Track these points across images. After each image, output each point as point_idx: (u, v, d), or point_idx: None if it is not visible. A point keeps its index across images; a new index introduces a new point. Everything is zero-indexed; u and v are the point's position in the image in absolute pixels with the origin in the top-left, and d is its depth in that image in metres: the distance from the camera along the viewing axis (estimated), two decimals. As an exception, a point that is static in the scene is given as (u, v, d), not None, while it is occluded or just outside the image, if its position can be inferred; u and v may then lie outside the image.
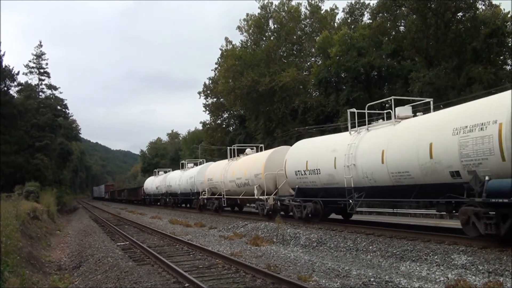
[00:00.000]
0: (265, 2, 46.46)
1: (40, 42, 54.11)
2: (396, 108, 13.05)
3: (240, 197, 22.53)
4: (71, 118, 63.37)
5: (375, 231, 12.59)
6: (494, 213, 8.97)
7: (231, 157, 24.60)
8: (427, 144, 10.62)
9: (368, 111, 14.16)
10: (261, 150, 23.39)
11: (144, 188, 47.24)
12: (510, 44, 30.82)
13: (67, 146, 59.47)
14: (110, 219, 27.67)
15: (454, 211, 10.51)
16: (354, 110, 14.64)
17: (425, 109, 14.04)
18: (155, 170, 47.19)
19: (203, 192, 27.42)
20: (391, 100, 13.23)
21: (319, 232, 13.63)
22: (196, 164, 33.89)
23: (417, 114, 12.83)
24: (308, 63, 46.22)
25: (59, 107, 55.61)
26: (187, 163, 35.40)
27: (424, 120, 11.85)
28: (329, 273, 8.63)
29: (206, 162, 32.11)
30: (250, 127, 46.73)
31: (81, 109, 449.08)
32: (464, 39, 31.88)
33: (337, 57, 34.10)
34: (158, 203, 41.11)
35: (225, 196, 24.05)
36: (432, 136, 10.59)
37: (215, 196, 25.63)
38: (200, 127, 65.79)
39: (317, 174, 15.26)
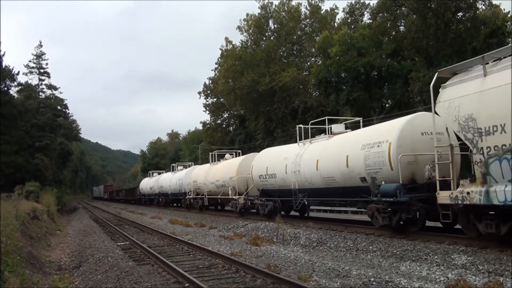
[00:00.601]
0: (265, 2, 46.51)
1: (40, 42, 54.21)
2: (332, 126, 16.31)
3: (218, 197, 25.21)
4: (71, 118, 63.47)
5: (375, 231, 12.60)
6: (390, 209, 11.63)
7: (213, 161, 27.59)
8: (345, 156, 13.61)
9: (312, 126, 17.31)
10: (238, 156, 25.74)
11: (139, 188, 49.90)
12: (510, 44, 30.79)
13: (67, 146, 59.46)
14: (110, 219, 27.68)
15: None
16: (301, 125, 18.04)
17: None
18: (150, 172, 51.41)
19: (189, 193, 30.43)
20: (325, 119, 16.66)
21: (319, 232, 13.64)
22: (185, 167, 36.57)
23: (347, 130, 15.82)
24: (308, 63, 46.22)
25: (59, 107, 55.63)
26: (177, 165, 38.72)
27: (346, 137, 15.02)
28: (329, 273, 8.63)
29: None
30: (250, 127, 46.75)
31: (81, 109, 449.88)
32: (464, 39, 31.88)
33: (337, 57, 34.09)
34: (152, 203, 43.73)
35: (206, 196, 26.97)
36: (349, 150, 13.64)
37: (199, 196, 28.50)
38: (200, 127, 65.86)
39: (274, 178, 18.32)
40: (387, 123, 13.81)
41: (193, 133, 79.93)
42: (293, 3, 46.21)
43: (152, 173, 48.08)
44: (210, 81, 55.46)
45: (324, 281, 7.95)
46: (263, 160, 19.90)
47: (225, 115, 57.27)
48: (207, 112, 56.86)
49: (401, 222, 11.78)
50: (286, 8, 46.19)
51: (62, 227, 24.93)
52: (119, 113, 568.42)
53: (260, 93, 42.45)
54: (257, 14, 46.95)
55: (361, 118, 15.86)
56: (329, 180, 14.56)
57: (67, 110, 58.12)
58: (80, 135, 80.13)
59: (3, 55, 50.65)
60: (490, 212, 9.35)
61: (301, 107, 39.07)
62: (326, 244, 12.08)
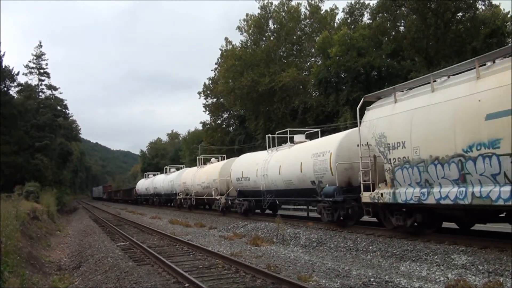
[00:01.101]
0: (265, 2, 46.52)
1: (40, 43, 54.20)
2: (295, 136, 18.71)
3: (204, 197, 27.63)
4: (71, 118, 63.55)
5: (375, 231, 12.60)
6: (331, 207, 14.28)
7: (200, 165, 30.65)
8: (300, 162, 16.05)
9: (279, 136, 19.95)
10: (223, 159, 28.17)
11: (136, 189, 52.01)
12: (510, 44, 30.82)
13: (67, 146, 59.50)
14: (110, 219, 27.68)
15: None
16: (270, 135, 20.67)
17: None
18: (145, 173, 54.93)
19: (179, 193, 32.92)
20: (287, 131, 19.26)
21: (319, 232, 13.65)
22: (177, 169, 39.32)
23: (306, 140, 18.24)
24: (308, 63, 46.22)
25: (59, 107, 55.68)
26: (170, 168, 41.78)
27: (302, 146, 17.35)
28: (329, 273, 8.63)
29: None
30: (250, 127, 46.73)
31: (81, 110, 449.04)
32: (464, 39, 31.91)
33: (337, 57, 34.10)
34: (148, 203, 46.09)
35: (194, 197, 29.56)
36: (303, 158, 16.05)
37: (188, 196, 30.98)
38: (200, 127, 65.85)
39: (248, 180, 20.85)
40: (331, 136, 16.59)
41: (193, 133, 79.91)
42: (293, 3, 46.28)
43: (148, 175, 50.44)
44: (210, 81, 55.49)
45: (324, 281, 7.95)
46: (240, 165, 22.54)
47: (225, 115, 57.28)
48: (207, 112, 56.91)
49: (341, 218, 14.12)
50: (286, 8, 46.20)
51: (62, 227, 24.93)
52: (119, 113, 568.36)
53: (260, 93, 42.45)
54: (257, 14, 46.99)
55: (319, 129, 19.46)
56: (289, 183, 17.15)
57: (67, 110, 58.25)
58: (80, 135, 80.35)
59: (3, 55, 50.65)
60: (403, 209, 11.52)
61: (301, 107, 39.08)
62: (326, 244, 12.08)
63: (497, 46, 29.82)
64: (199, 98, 57.12)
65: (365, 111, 12.77)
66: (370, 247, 10.93)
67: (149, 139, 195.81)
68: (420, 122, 10.44)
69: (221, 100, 53.36)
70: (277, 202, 20.28)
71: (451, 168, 9.58)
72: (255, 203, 20.64)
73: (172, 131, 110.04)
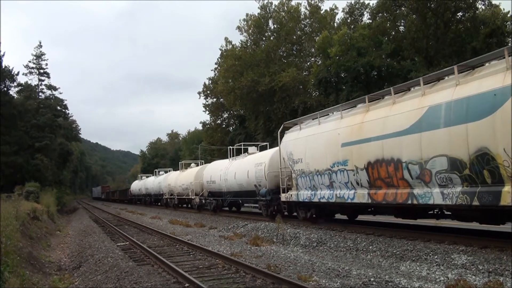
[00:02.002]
0: (265, 2, 46.53)
1: (40, 43, 54.01)
2: (249, 148, 23.22)
3: (184, 197, 31.82)
4: (71, 118, 63.40)
5: (375, 231, 12.60)
6: (266, 204, 18.94)
7: (181, 169, 35.02)
8: (247, 170, 20.73)
9: (237, 147, 24.79)
10: (200, 165, 33.00)
11: (130, 189, 56.05)
12: (510, 44, 30.82)
13: (67, 147, 59.44)
14: (110, 220, 27.68)
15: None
16: (231, 147, 25.27)
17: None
18: (139, 175, 60.32)
19: (165, 194, 37.07)
20: (241, 144, 24.78)
21: (319, 232, 13.65)
22: (165, 172, 43.75)
23: (256, 151, 22.60)
24: (308, 63, 46.23)
25: (59, 108, 55.55)
26: (159, 171, 45.84)
27: (251, 157, 21.75)
28: (329, 273, 8.62)
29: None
30: (250, 127, 46.75)
31: (81, 110, 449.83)
32: (464, 39, 31.91)
33: (337, 57, 34.12)
34: (141, 202, 50.51)
35: (176, 196, 33.83)
36: (249, 167, 20.57)
37: (172, 196, 35.25)
38: (200, 127, 65.89)
39: (214, 183, 25.42)
40: (267, 151, 21.06)
41: (193, 133, 80.00)
42: (293, 3, 46.30)
43: (141, 176, 55.41)
44: (210, 81, 55.48)
45: (324, 281, 7.95)
46: (209, 170, 27.11)
47: (225, 115, 57.31)
48: (207, 112, 56.94)
49: (273, 212, 18.15)
50: (285, 8, 46.20)
51: (62, 228, 24.93)
52: (119, 113, 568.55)
53: (260, 93, 42.46)
54: (256, 14, 46.99)
55: (268, 143, 24.26)
56: (241, 185, 21.81)
57: (67, 110, 58.10)
58: (80, 135, 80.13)
59: (3, 55, 50.57)
60: (303, 205, 16.14)
61: (301, 107, 39.08)
62: (326, 244, 12.08)
63: (497, 45, 29.88)
64: (199, 98, 57.24)
65: (284, 134, 17.21)
66: (370, 247, 10.93)
67: (149, 139, 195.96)
68: (310, 145, 14.89)
69: (221, 100, 53.37)
70: (240, 201, 25.16)
71: (325, 178, 14.02)
72: (221, 202, 25.23)
73: (172, 131, 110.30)
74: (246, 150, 23.48)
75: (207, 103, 56.38)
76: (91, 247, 14.41)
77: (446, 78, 10.26)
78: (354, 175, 12.56)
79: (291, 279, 7.85)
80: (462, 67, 9.77)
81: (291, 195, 16.20)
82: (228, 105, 50.38)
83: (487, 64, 9.38)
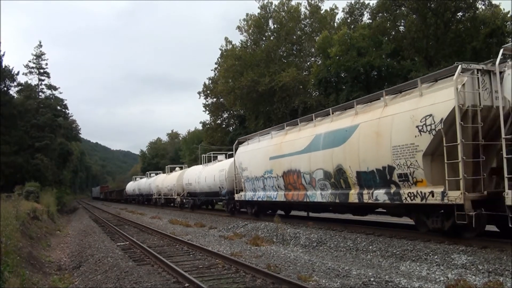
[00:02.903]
0: (265, 2, 46.47)
1: (40, 42, 53.96)
2: (218, 156, 28.17)
3: (169, 197, 37.01)
4: (71, 118, 63.33)
5: (375, 231, 12.61)
6: (227, 203, 23.77)
7: (168, 172, 40.94)
8: (214, 175, 25.52)
9: (213, 154, 30.11)
10: (184, 168, 37.50)
11: (126, 190, 60.57)
12: (510, 45, 30.76)
13: (67, 146, 59.39)
14: (110, 219, 27.68)
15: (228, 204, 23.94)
16: (205, 154, 30.85)
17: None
18: (133, 176, 66.06)
19: (154, 194, 42.31)
20: (211, 154, 30.52)
21: (319, 232, 13.64)
22: (156, 174, 48.13)
23: (223, 159, 27.02)
24: (308, 63, 46.19)
25: (59, 107, 55.50)
26: (150, 173, 51.06)
27: (217, 164, 26.25)
28: (329, 273, 8.62)
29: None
30: (250, 127, 46.65)
31: (81, 110, 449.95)
32: (464, 39, 31.89)
33: (337, 57, 34.09)
34: (134, 201, 55.04)
35: (163, 196, 39.27)
36: (215, 172, 25.34)
37: (159, 196, 40.47)
38: (200, 127, 65.82)
39: (191, 185, 30.41)
40: (228, 159, 25.31)
41: (193, 133, 79.84)
42: (293, 3, 46.22)
43: (135, 178, 61.10)
44: (210, 81, 55.40)
45: (324, 281, 7.95)
46: (188, 174, 32.30)
47: (225, 115, 57.16)
48: (207, 112, 56.83)
49: (232, 209, 23.24)
50: (285, 8, 46.14)
51: (62, 227, 24.92)
52: (119, 113, 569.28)
53: (260, 93, 42.42)
54: (256, 14, 46.94)
55: (228, 153, 27.45)
56: (210, 187, 26.56)
57: (67, 110, 58.07)
58: (80, 135, 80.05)
59: (3, 55, 50.57)
60: (250, 204, 20.83)
61: (301, 107, 39.06)
62: (326, 244, 12.08)
63: (497, 45, 29.85)
64: (199, 98, 57.06)
65: (238, 147, 21.56)
66: (370, 247, 10.93)
67: (149, 139, 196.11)
68: (252, 157, 19.46)
69: (221, 100, 53.28)
70: (214, 200, 28.82)
71: (260, 182, 18.70)
72: (199, 200, 30.15)
73: (172, 131, 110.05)
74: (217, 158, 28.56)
75: (207, 103, 56.30)
76: (91, 247, 14.41)
77: (328, 115, 14.74)
78: (276, 180, 17.31)
79: (291, 279, 7.85)
80: (335, 109, 14.73)
81: (241, 195, 21.05)
82: (228, 105, 50.30)
83: (348, 110, 13.96)
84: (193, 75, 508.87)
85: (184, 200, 32.30)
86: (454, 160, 9.57)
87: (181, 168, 38.79)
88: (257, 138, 19.96)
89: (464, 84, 9.65)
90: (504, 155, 8.61)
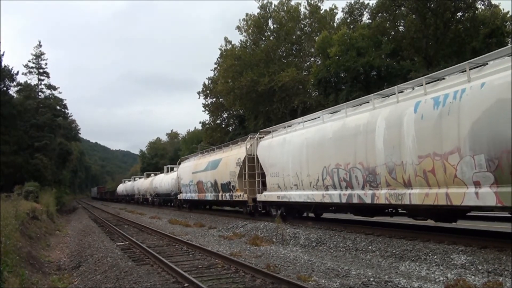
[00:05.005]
0: (265, 2, 46.45)
1: (40, 42, 53.82)
2: (175, 167, 34.73)
3: (145, 196, 46.57)
4: (70, 118, 63.27)
5: (374, 231, 12.60)
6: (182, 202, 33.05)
7: (145, 177, 50.90)
8: (169, 182, 36.18)
9: (169, 166, 41.26)
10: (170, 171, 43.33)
11: (117, 191, 70.77)
12: (509, 44, 30.80)
13: (67, 146, 59.30)
14: (110, 219, 27.67)
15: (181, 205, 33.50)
16: (169, 165, 42.17)
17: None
18: (123, 179, 75.90)
19: (136, 194, 53.63)
20: (174, 166, 38.57)
21: (318, 232, 13.63)
22: (139, 178, 58.12)
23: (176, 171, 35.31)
24: (308, 63, 46.18)
25: (58, 107, 55.42)
26: (135, 177, 61.83)
27: (170, 174, 37.14)
28: (329, 273, 8.62)
29: None
30: (249, 127, 46.63)
31: (80, 110, 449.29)
32: (463, 39, 31.89)
33: (337, 57, 34.07)
34: (123, 200, 64.24)
35: (141, 196, 49.84)
36: (169, 180, 36.18)
37: (139, 196, 51.02)
38: (199, 127, 65.81)
39: (157, 188, 40.92)
40: (176, 172, 33.79)
41: (193, 133, 79.80)
42: (293, 3, 46.23)
43: (124, 181, 70.57)
44: (210, 81, 55.39)
45: (323, 281, 7.95)
46: (156, 179, 43.00)
47: (225, 115, 57.13)
48: (207, 112, 56.83)
49: (179, 205, 32.99)
50: (285, 8, 46.14)
51: (62, 227, 24.90)
52: (118, 113, 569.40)
53: (259, 93, 42.41)
54: (256, 14, 46.93)
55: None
56: (167, 190, 36.54)
57: (66, 110, 57.93)
58: (80, 135, 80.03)
59: (3, 55, 50.45)
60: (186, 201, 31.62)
61: (301, 107, 39.04)
62: (325, 244, 12.07)
63: (496, 46, 29.84)
64: (199, 98, 57.10)
65: (181, 163, 32.22)
66: (370, 247, 10.93)
67: (149, 139, 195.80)
68: (185, 171, 30.08)
69: (220, 100, 53.27)
70: (171, 199, 36.66)
71: (188, 187, 28.80)
72: (163, 201, 40.04)
73: (171, 131, 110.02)
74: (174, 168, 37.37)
75: (206, 103, 56.31)
76: (90, 246, 14.40)
77: (214, 151, 25.91)
78: (194, 187, 27.45)
79: (291, 279, 7.85)
80: (218, 148, 25.53)
81: (181, 196, 31.10)
82: (227, 105, 50.28)
83: (231, 145, 23.69)
84: (192, 75, 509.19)
85: (155, 199, 42.35)
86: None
87: (156, 174, 48.08)
88: (188, 158, 31.39)
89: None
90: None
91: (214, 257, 10.83)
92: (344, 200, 12.99)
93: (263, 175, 18.43)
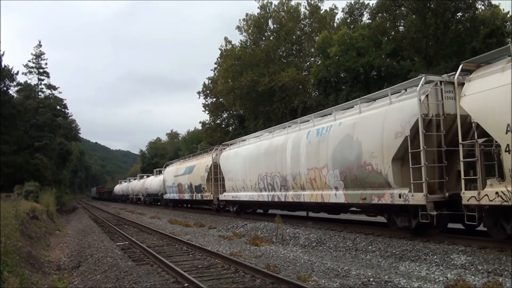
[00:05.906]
0: (265, 2, 46.43)
1: (39, 42, 53.77)
2: (162, 170, 39.60)
3: (138, 196, 51.09)
4: (70, 118, 63.31)
5: (374, 231, 12.61)
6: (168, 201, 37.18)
7: (138, 179, 55.83)
8: (157, 183, 40.72)
9: (158, 169, 45.93)
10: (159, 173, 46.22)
11: (114, 191, 75.21)
12: (509, 44, 30.73)
13: (67, 146, 59.30)
14: (110, 219, 27.66)
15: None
16: (157, 169, 46.67)
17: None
18: (120, 180, 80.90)
19: (130, 194, 57.77)
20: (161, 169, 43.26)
21: (318, 232, 13.64)
22: (133, 179, 62.00)
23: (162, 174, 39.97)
24: (308, 63, 46.16)
25: (58, 107, 55.42)
26: (130, 179, 66.94)
27: (159, 177, 41.33)
28: (329, 273, 8.62)
29: None
30: (249, 127, 46.62)
31: (80, 109, 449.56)
32: (463, 39, 31.85)
33: (337, 57, 34.04)
34: (119, 200, 68.54)
35: (135, 196, 54.13)
36: (157, 182, 41.02)
37: (133, 196, 55.27)
38: (199, 127, 65.82)
39: (148, 189, 45.66)
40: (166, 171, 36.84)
41: (193, 133, 79.82)
42: (293, 3, 46.19)
43: (121, 182, 75.22)
44: (210, 81, 55.38)
45: (323, 281, 7.95)
46: (147, 181, 47.55)
47: (225, 115, 57.10)
48: (207, 112, 56.81)
49: (165, 203, 37.34)
50: (285, 8, 46.11)
51: (62, 227, 24.90)
52: (118, 113, 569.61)
53: (259, 93, 42.39)
54: (256, 14, 46.92)
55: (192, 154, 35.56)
56: (156, 190, 41.05)
57: (66, 110, 57.97)
58: (80, 135, 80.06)
59: (3, 54, 50.38)
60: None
61: (301, 107, 39.02)
62: (325, 244, 12.08)
63: (496, 46, 29.76)
64: (199, 98, 57.09)
65: (166, 168, 37.21)
66: (370, 247, 10.93)
67: (149, 138, 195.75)
68: (169, 175, 34.87)
69: (220, 99, 53.25)
70: (161, 198, 38.71)
71: (172, 189, 33.55)
72: (154, 200, 43.53)
73: (171, 130, 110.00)
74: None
75: (206, 103, 56.29)
76: (90, 246, 14.40)
77: (191, 158, 31.60)
78: (176, 188, 31.74)
79: (290, 279, 7.85)
80: (194, 155, 31.01)
81: (166, 196, 35.42)
82: (227, 105, 50.26)
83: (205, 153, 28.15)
84: (192, 75, 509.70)
85: (146, 199, 46.91)
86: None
87: (148, 175, 53.18)
88: (172, 163, 35.78)
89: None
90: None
91: (214, 257, 10.83)
92: (270, 199, 17.77)
93: (223, 179, 22.97)
